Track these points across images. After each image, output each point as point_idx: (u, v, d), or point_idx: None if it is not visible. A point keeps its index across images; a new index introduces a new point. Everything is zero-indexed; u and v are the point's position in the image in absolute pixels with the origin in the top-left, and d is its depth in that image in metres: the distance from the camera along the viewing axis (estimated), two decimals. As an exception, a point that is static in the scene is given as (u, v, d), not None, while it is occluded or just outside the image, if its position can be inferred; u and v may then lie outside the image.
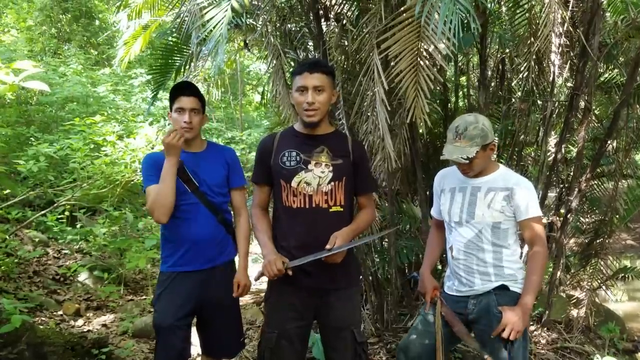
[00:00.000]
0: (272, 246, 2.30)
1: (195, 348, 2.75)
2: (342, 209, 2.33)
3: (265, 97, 5.53)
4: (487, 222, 2.36)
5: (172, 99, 2.54)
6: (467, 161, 2.26)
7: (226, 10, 2.41)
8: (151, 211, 2.46)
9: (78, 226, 6.15)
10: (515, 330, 2.24)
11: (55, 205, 5.68)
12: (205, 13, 2.51)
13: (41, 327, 3.74)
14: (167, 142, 2.41)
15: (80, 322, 4.49)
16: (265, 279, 2.42)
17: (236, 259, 2.73)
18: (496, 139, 2.38)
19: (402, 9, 2.68)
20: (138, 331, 4.28)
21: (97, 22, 12.46)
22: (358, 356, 2.36)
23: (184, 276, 2.55)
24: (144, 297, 5.35)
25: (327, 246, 2.19)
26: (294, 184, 2.29)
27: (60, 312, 4.62)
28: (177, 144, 2.42)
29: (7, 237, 4.93)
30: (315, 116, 2.26)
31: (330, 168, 2.30)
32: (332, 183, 2.29)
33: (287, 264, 2.21)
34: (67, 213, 6.06)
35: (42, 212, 5.85)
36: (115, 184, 5.49)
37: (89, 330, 4.29)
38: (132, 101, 8.97)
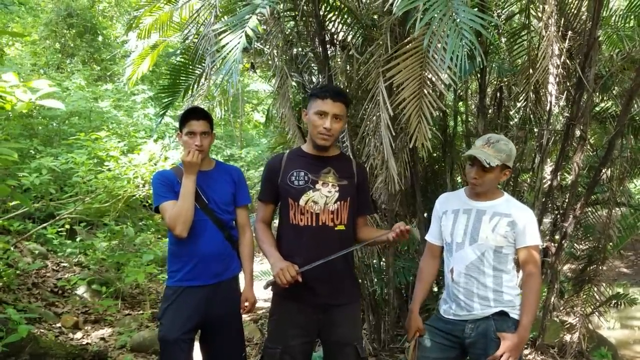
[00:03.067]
0: (278, 254, 2.36)
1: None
2: (345, 228, 2.43)
3: (270, 116, 5.64)
4: (490, 245, 2.40)
5: (183, 123, 2.64)
6: (488, 166, 2.29)
7: (240, 37, 2.53)
8: (172, 227, 2.54)
9: (77, 239, 6.19)
10: (512, 358, 2.30)
11: (58, 218, 5.73)
12: (221, 39, 2.62)
13: (43, 338, 3.77)
14: (189, 160, 2.53)
15: (79, 334, 4.53)
16: (266, 295, 2.49)
17: (241, 275, 2.81)
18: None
19: (407, 39, 2.80)
20: (136, 345, 4.31)
21: (100, 39, 12.60)
22: None
23: (190, 291, 2.62)
24: (141, 311, 5.38)
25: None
26: (302, 202, 2.37)
27: (58, 325, 4.65)
28: (198, 161, 2.55)
29: (11, 248, 4.97)
30: (329, 141, 2.37)
31: (337, 188, 2.40)
32: (338, 203, 2.39)
33: (297, 270, 2.25)
34: (67, 226, 6.10)
35: (43, 225, 5.90)
36: (117, 199, 5.55)
37: (87, 343, 4.32)
38: (134, 117, 9.06)
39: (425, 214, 4.16)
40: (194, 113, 2.66)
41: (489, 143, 2.37)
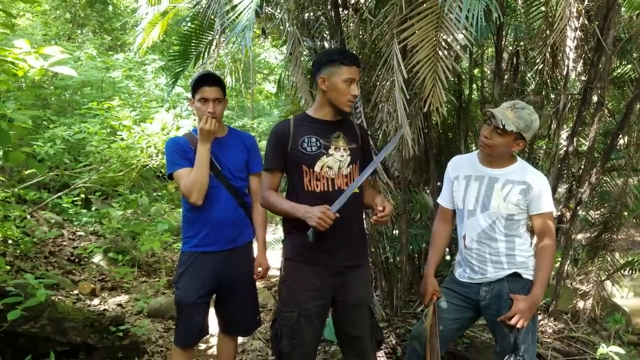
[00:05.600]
0: (303, 205, 2.29)
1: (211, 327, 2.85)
2: (358, 190, 2.43)
3: (282, 85, 5.58)
4: (502, 214, 2.39)
5: (195, 89, 2.62)
6: (502, 127, 2.27)
7: (254, -5, 2.46)
8: (188, 195, 2.56)
9: (92, 209, 6.25)
10: (523, 319, 2.31)
11: (72, 187, 5.78)
12: (231, -1, 2.56)
13: (61, 304, 3.84)
14: (207, 128, 2.53)
15: (96, 301, 4.61)
16: (280, 264, 2.51)
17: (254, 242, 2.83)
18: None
19: (422, -1, 2.73)
20: (153, 311, 4.39)
21: (110, 8, 12.48)
22: (374, 330, 2.47)
23: (205, 256, 2.65)
24: (157, 279, 5.45)
25: (379, 207, 2.31)
26: (317, 168, 2.36)
27: (76, 292, 4.73)
28: (215, 129, 2.55)
29: (27, 216, 5.04)
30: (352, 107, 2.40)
31: (348, 152, 2.40)
32: (351, 166, 2.40)
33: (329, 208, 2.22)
34: (82, 196, 6.16)
35: (58, 194, 5.96)
36: (130, 168, 5.58)
37: (105, 309, 4.40)
38: (146, 87, 9.04)
39: (439, 183, 4.13)
40: (206, 79, 2.63)
41: (514, 108, 2.34)
